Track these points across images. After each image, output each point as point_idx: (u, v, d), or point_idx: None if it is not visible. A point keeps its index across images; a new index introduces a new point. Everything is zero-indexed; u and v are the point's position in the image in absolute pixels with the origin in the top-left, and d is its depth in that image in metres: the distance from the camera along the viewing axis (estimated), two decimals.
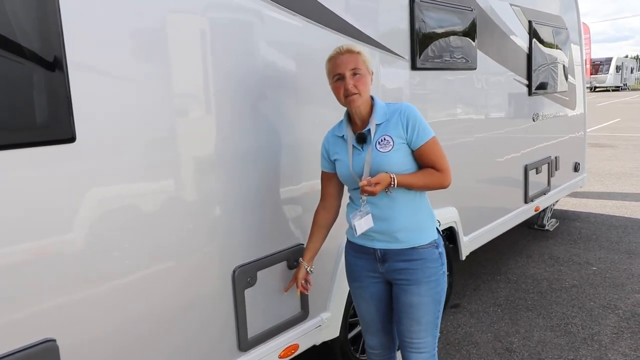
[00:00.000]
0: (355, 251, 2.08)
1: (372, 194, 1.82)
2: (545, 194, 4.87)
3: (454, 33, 3.36)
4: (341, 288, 2.58)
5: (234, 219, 2.06)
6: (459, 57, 3.44)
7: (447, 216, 3.41)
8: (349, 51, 1.91)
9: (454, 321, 3.50)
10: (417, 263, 1.95)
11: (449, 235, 3.53)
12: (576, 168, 5.61)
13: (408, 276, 1.96)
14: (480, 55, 3.67)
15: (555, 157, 5.04)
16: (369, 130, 1.93)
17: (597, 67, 36.78)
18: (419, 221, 1.97)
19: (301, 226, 2.37)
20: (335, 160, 2.05)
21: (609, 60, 37.32)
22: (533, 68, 4.46)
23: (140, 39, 1.71)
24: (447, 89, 3.40)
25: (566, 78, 5.22)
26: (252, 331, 2.15)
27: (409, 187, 1.90)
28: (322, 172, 2.14)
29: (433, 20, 3.15)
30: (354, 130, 1.99)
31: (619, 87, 38.24)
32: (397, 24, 2.91)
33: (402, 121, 1.90)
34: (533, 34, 4.44)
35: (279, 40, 2.20)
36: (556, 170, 5.07)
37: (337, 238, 2.56)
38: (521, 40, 4.29)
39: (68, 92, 1.49)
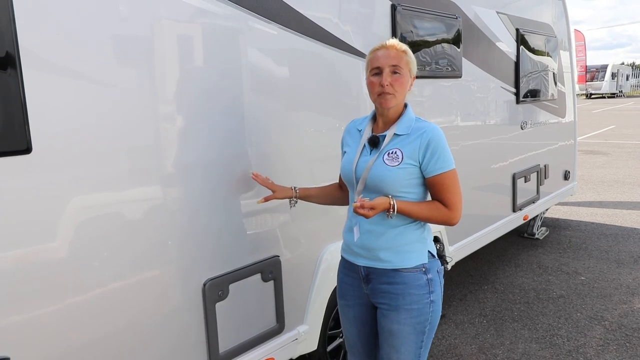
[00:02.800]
0: (345, 268, 1.96)
1: (364, 216, 1.67)
2: (534, 202, 4.83)
3: (438, 41, 3.33)
4: (319, 300, 2.53)
5: (204, 230, 2.01)
6: (444, 65, 3.41)
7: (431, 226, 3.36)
8: (394, 47, 1.78)
9: (438, 332, 3.44)
10: (399, 287, 1.78)
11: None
12: (566, 176, 5.58)
13: (389, 301, 1.81)
14: (465, 63, 3.65)
15: (545, 166, 5.01)
16: (384, 136, 1.80)
17: (593, 74, 36.89)
18: (406, 242, 1.79)
19: (277, 238, 2.32)
20: (344, 151, 1.95)
21: (604, 67, 37.44)
22: (521, 76, 4.44)
23: (106, 40, 1.66)
24: (431, 97, 3.37)
25: (555, 85, 5.20)
26: (224, 346, 2.10)
27: (408, 216, 1.75)
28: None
29: (416, 28, 3.12)
30: (373, 130, 1.87)
31: (614, 94, 38.35)
32: (379, 31, 2.87)
33: (422, 143, 1.74)
34: (521, 41, 4.42)
35: (260, 49, 2.17)
36: (545, 178, 5.04)
37: (314, 249, 2.52)
38: (508, 48, 4.27)
39: (23, 97, 1.44)
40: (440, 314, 1.87)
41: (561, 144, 5.42)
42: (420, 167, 1.76)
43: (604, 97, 37.60)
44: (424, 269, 1.80)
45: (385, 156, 1.77)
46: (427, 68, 3.25)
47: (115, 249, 1.73)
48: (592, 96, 38.26)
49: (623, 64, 49.11)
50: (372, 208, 1.66)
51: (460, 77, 3.59)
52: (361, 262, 1.86)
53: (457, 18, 3.50)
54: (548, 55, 4.97)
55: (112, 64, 1.69)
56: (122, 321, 1.78)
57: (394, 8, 2.93)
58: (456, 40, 3.51)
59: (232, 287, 2.12)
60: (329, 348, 2.72)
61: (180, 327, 1.96)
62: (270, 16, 2.20)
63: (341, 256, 1.98)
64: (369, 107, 2.80)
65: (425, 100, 3.31)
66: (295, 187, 2.08)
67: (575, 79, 5.97)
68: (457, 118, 3.68)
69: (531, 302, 3.90)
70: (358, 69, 2.72)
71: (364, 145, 1.84)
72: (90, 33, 1.62)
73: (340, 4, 2.59)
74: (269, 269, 2.27)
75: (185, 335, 1.98)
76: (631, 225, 5.85)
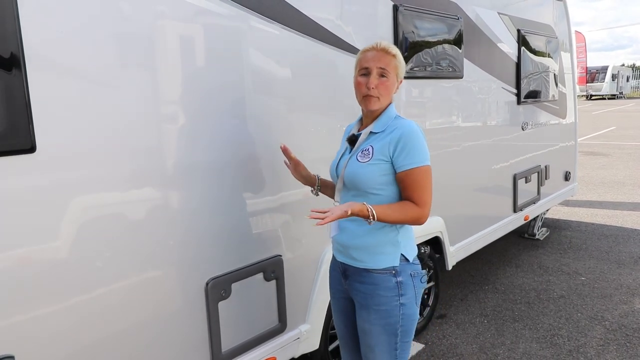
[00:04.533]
0: (332, 263, 2.00)
1: (319, 223, 1.59)
2: (534, 203, 4.84)
3: (439, 41, 3.34)
4: (320, 300, 2.54)
5: (207, 230, 2.02)
6: (445, 65, 3.42)
7: (432, 226, 3.38)
8: (385, 50, 1.79)
9: (439, 332, 3.45)
10: (369, 287, 1.80)
11: (435, 245, 3.50)
12: (567, 177, 5.59)
13: (360, 299, 1.84)
14: (467, 63, 3.66)
15: (545, 166, 5.02)
16: (360, 134, 1.84)
17: (594, 75, 36.90)
18: (376, 243, 1.78)
19: (279, 237, 2.33)
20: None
21: (605, 69, 37.44)
22: (522, 76, 4.45)
23: (110, 40, 1.67)
24: (432, 98, 3.38)
25: (556, 86, 5.21)
26: (226, 345, 2.11)
27: (385, 221, 1.70)
28: None
29: (417, 28, 3.13)
30: (359, 130, 1.90)
31: (615, 95, 38.36)
32: (381, 32, 2.88)
33: (393, 138, 1.74)
34: (522, 42, 4.43)
35: (261, 49, 2.17)
36: (546, 179, 5.05)
37: (315, 249, 2.53)
38: (510, 48, 4.28)
39: (27, 97, 1.45)
40: (416, 317, 1.85)
41: (562, 145, 5.43)
42: (391, 163, 1.75)
43: (605, 99, 37.61)
44: (394, 272, 1.79)
45: (359, 154, 1.80)
46: (429, 69, 3.26)
47: (118, 249, 1.74)
48: (593, 97, 38.26)
49: (623, 65, 49.11)
50: (339, 216, 1.60)
51: (462, 77, 3.60)
52: (340, 258, 1.90)
53: (458, 19, 3.51)
54: (549, 56, 4.98)
55: (116, 63, 1.70)
56: (126, 320, 1.79)
57: (395, 9, 2.94)
58: (457, 41, 3.52)
59: (234, 286, 2.12)
60: (331, 347, 2.73)
61: (183, 326, 1.97)
62: (272, 16, 2.21)
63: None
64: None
65: (426, 101, 3.32)
66: (318, 176, 2.05)
67: (576, 80, 5.98)
68: (459, 119, 3.68)
69: (532, 302, 3.90)
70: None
71: (347, 145, 1.89)
72: (93, 33, 1.63)
73: (343, 5, 2.60)
74: (271, 269, 2.28)
75: (188, 335, 1.99)
76: (631, 226, 5.85)
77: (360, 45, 2.71)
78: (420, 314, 3.43)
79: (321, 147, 2.51)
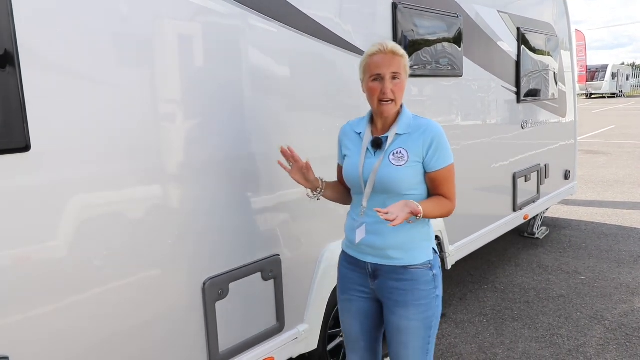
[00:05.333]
0: (348, 263, 1.96)
1: (394, 223, 1.61)
2: (534, 202, 4.83)
3: (438, 40, 3.33)
4: (319, 299, 2.53)
5: (204, 229, 2.01)
6: (445, 63, 3.40)
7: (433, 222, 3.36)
8: (393, 52, 1.77)
9: (438, 331, 3.43)
10: (408, 284, 1.81)
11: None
12: (566, 176, 5.57)
13: (397, 297, 1.83)
14: (466, 62, 3.64)
15: (545, 165, 5.01)
16: (387, 137, 1.82)
17: (593, 74, 36.87)
18: (412, 240, 1.82)
19: (277, 237, 2.32)
20: (345, 155, 1.94)
21: (604, 67, 37.41)
22: (522, 75, 4.43)
23: (106, 38, 1.66)
24: (431, 96, 3.37)
25: (556, 85, 5.20)
26: (224, 345, 2.09)
27: (427, 217, 1.75)
28: (338, 165, 2.04)
29: (416, 26, 3.11)
30: (373, 132, 1.88)
31: (614, 94, 38.33)
32: (380, 30, 2.87)
33: (426, 140, 1.77)
34: (522, 40, 4.41)
35: (260, 47, 2.16)
36: (546, 178, 5.04)
37: (314, 249, 2.52)
38: (509, 47, 4.27)
39: (21, 95, 1.43)
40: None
41: (561, 144, 5.42)
42: (422, 163, 1.79)
43: (604, 97, 37.59)
44: (429, 265, 1.84)
45: (391, 156, 1.79)
46: (428, 67, 3.25)
47: (115, 249, 1.73)
48: (592, 96, 38.25)
49: (623, 64, 49.07)
50: (400, 218, 1.61)
51: (461, 76, 3.58)
52: (369, 259, 1.87)
53: (458, 17, 3.49)
54: (549, 54, 4.96)
55: (112, 62, 1.68)
56: (122, 321, 1.77)
57: (394, 6, 2.92)
58: (457, 39, 3.50)
59: (232, 286, 2.11)
60: (329, 347, 2.71)
61: (180, 326, 1.95)
62: (271, 14, 2.20)
63: (343, 251, 2.00)
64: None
65: (425, 100, 3.30)
66: (322, 179, 1.98)
67: (576, 79, 5.96)
68: (458, 117, 3.67)
69: (531, 301, 3.89)
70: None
71: (367, 148, 1.85)
72: (89, 31, 1.61)
73: (342, 3, 2.58)
74: (270, 268, 2.27)
75: (185, 334, 1.97)
76: (631, 225, 5.84)
77: (359, 44, 2.70)
78: None
79: (322, 145, 2.49)
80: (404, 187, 1.78)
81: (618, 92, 38.63)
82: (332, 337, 2.73)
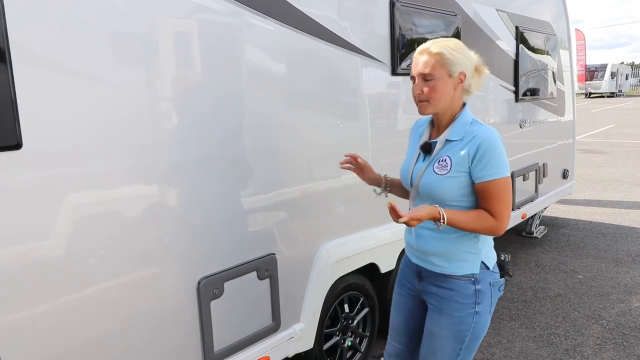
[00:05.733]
0: (404, 261, 1.99)
1: (409, 225, 1.59)
2: (532, 201, 4.82)
3: (436, 37, 3.30)
4: (315, 298, 2.52)
5: (200, 227, 2.00)
6: None
7: None
8: (426, 51, 1.70)
9: None
10: (446, 292, 1.77)
11: None
12: (565, 175, 5.56)
13: (434, 302, 1.81)
14: None
15: (543, 164, 4.99)
16: (436, 143, 1.75)
17: (593, 73, 36.85)
18: (456, 251, 1.75)
19: (273, 235, 2.31)
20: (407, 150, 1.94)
21: (604, 67, 37.39)
22: (520, 74, 4.42)
23: (100, 34, 1.64)
24: None
25: (555, 84, 5.19)
26: (219, 344, 2.08)
27: (456, 227, 1.66)
28: None
29: (414, 25, 3.10)
30: (432, 134, 1.83)
31: (614, 93, 38.33)
32: (377, 28, 2.85)
33: (472, 149, 1.66)
34: (520, 39, 4.40)
35: (256, 44, 2.15)
36: (544, 177, 5.03)
37: (310, 247, 2.50)
38: (508, 46, 4.25)
39: (13, 92, 1.42)
40: (487, 326, 1.80)
41: (560, 143, 5.41)
42: (470, 174, 1.68)
43: (603, 97, 37.60)
44: (473, 279, 1.75)
45: (436, 164, 1.73)
46: None
47: (109, 247, 1.72)
48: (592, 95, 38.25)
49: (623, 63, 49.07)
50: (417, 219, 1.57)
51: None
52: (416, 261, 1.87)
53: (456, 15, 3.48)
54: (547, 53, 4.95)
55: (106, 59, 1.67)
56: (117, 320, 1.76)
57: (392, 4, 2.91)
58: (455, 38, 3.49)
59: (227, 285, 2.10)
60: (325, 347, 2.70)
61: (175, 326, 1.94)
62: (266, 11, 2.18)
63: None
64: (367, 105, 2.79)
65: None
66: (386, 176, 2.02)
67: (575, 78, 5.95)
68: None
69: (529, 300, 3.89)
70: (356, 65, 2.70)
71: (419, 151, 1.82)
72: (83, 27, 1.60)
73: (339, 0, 2.57)
74: (265, 267, 2.26)
75: (180, 334, 1.96)
76: (629, 224, 5.84)
77: (355, 41, 2.69)
78: None
79: (318, 144, 2.48)
80: (447, 197, 1.69)
81: (617, 91, 38.63)
82: (328, 337, 2.73)
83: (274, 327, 2.33)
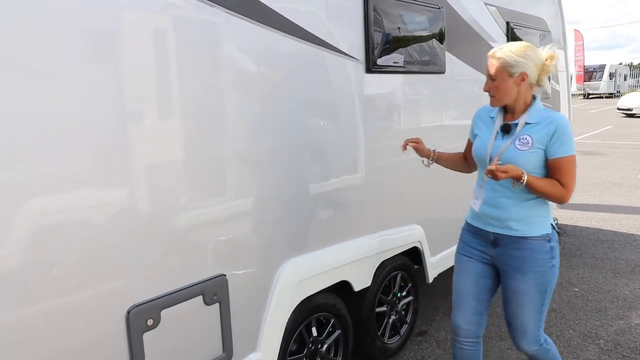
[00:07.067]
0: (471, 232, 2.27)
1: (494, 178, 1.90)
2: None
3: (418, 33, 3.04)
4: (276, 322, 2.24)
5: (128, 245, 1.71)
6: (425, 59, 3.12)
7: (409, 235, 3.08)
8: (493, 56, 2.06)
9: (417, 352, 3.15)
10: (526, 252, 2.07)
11: (414, 256, 3.20)
12: None
13: (515, 264, 2.09)
14: (449, 57, 3.35)
15: None
16: (516, 124, 2.07)
17: (591, 74, 36.58)
18: (531, 215, 2.08)
19: (223, 253, 2.03)
20: (475, 134, 2.25)
21: (602, 67, 37.12)
22: None
23: (64, 30, 1.39)
24: (409, 94, 3.08)
25: (549, 84, 4.91)
26: None
27: (531, 188, 1.99)
28: (468, 140, 2.40)
29: (392, 18, 2.82)
30: (505, 119, 2.14)
31: (612, 94, 38.06)
32: (349, 21, 2.58)
33: (550, 130, 2.00)
34: (511, 36, 4.13)
35: (218, 39, 1.87)
36: None
37: (269, 264, 2.23)
38: (497, 42, 3.97)
39: None
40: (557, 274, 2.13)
41: None
42: (545, 151, 2.01)
43: (602, 97, 37.35)
44: (547, 238, 2.08)
45: (517, 141, 2.04)
46: (405, 63, 2.96)
47: (24, 272, 1.44)
48: (590, 96, 38.01)
49: (621, 64, 48.84)
50: (504, 172, 1.89)
51: (444, 72, 3.30)
52: (491, 229, 2.15)
53: (440, 9, 3.21)
54: None
55: (71, 56, 1.49)
56: (34, 356, 1.48)
57: None
58: (439, 33, 3.22)
59: (165, 313, 1.81)
60: None
61: None
62: (224, 4, 1.91)
63: (466, 222, 2.33)
64: (338, 105, 2.52)
65: (401, 97, 3.01)
66: (434, 150, 2.43)
67: (570, 78, 5.69)
68: (440, 118, 3.39)
69: None
70: (324, 61, 2.43)
71: (497, 132, 2.12)
72: (39, 22, 1.35)
73: None
74: (213, 290, 1.97)
75: None
76: (628, 231, 5.57)
77: (323, 37, 2.41)
78: (397, 332, 3.14)
79: (274, 146, 2.21)
80: (524, 169, 1.96)
81: (615, 92, 38.38)
82: None
83: (226, 357, 2.05)
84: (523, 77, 2.04)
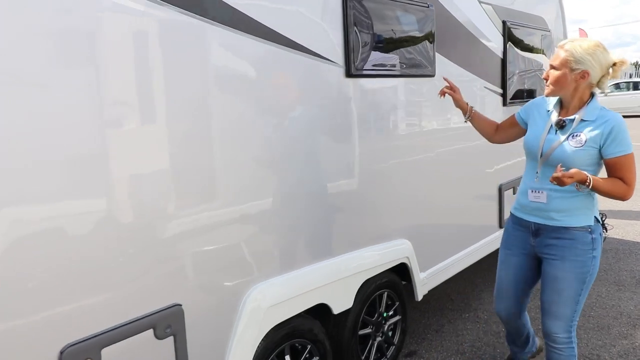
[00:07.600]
0: (514, 223, 2.37)
1: (560, 184, 1.93)
2: None
3: (405, 33, 2.83)
4: (242, 353, 2.03)
5: (59, 273, 1.51)
6: (412, 61, 2.90)
7: (396, 250, 2.86)
8: (562, 47, 2.10)
9: None
10: (567, 242, 2.15)
11: (402, 273, 2.98)
12: None
13: (556, 252, 2.18)
14: (440, 59, 3.14)
15: None
16: (572, 120, 2.11)
17: None
18: (576, 207, 2.14)
19: (178, 279, 1.82)
20: (528, 123, 2.31)
21: None
22: (508, 75, 3.93)
23: (41, 34, 1.18)
24: (396, 99, 2.87)
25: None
26: None
27: (596, 190, 2.03)
28: (515, 115, 2.46)
29: (375, 17, 2.61)
30: (560, 114, 2.18)
31: None
32: (327, 22, 2.37)
33: (605, 130, 2.03)
34: (508, 36, 3.90)
35: (186, 43, 1.66)
36: None
37: (233, 291, 2.01)
38: (493, 43, 3.76)
39: None
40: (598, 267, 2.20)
41: None
42: (599, 150, 2.06)
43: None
44: (589, 230, 2.16)
45: (570, 138, 2.08)
46: (391, 66, 2.75)
47: None
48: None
49: None
50: (570, 177, 1.93)
51: (434, 75, 3.08)
52: (533, 219, 2.25)
53: (429, 7, 2.99)
54: (540, 51, 4.45)
55: (46, 60, 1.34)
56: None
57: None
58: (428, 34, 3.00)
59: (106, 352, 1.61)
60: None
61: None
62: (185, 6, 1.70)
63: (511, 213, 2.42)
64: (313, 112, 2.31)
65: (386, 103, 2.80)
66: (472, 108, 2.55)
67: None
68: (430, 123, 3.17)
69: None
70: (299, 66, 2.22)
71: (551, 126, 2.16)
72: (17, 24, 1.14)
73: None
74: (166, 323, 1.77)
75: None
76: (633, 239, 5.33)
77: (302, 41, 2.21)
78: (384, 354, 2.92)
79: (239, 157, 2.00)
80: (575, 166, 2.02)
81: None
82: None
83: None
84: (584, 75, 2.05)
